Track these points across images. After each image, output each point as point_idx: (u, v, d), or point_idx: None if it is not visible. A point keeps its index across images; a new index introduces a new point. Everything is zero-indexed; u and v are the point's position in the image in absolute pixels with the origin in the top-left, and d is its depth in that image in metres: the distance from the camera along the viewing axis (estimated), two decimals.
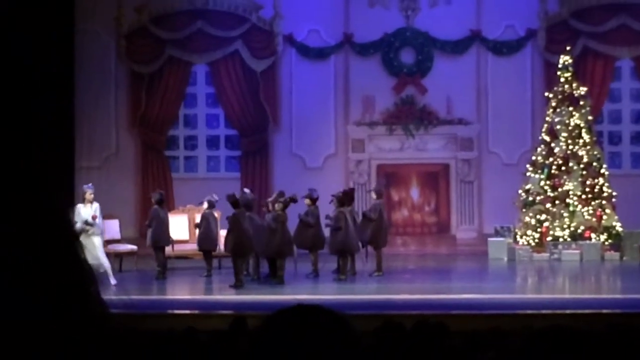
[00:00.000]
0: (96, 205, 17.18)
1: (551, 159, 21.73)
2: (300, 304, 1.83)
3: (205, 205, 18.49)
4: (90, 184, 17.70)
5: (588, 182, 21.52)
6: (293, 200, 17.30)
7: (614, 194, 21.63)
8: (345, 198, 17.87)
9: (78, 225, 16.79)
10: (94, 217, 16.94)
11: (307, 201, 17.77)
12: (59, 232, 1.26)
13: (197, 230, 18.56)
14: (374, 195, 18.80)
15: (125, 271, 18.65)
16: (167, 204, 19.97)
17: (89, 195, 17.15)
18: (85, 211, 16.92)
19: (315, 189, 18.00)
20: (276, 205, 17.24)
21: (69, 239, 1.28)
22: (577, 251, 20.77)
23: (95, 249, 16.70)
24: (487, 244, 21.70)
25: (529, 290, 18.19)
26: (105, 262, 16.92)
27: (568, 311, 13.32)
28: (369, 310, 13.07)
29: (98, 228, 17.05)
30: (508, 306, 13.81)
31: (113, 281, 16.74)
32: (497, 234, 22.18)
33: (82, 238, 15.33)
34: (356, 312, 11.60)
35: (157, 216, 18.04)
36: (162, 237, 18.04)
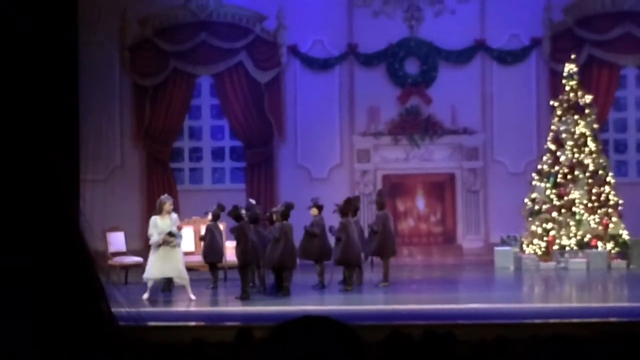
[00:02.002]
0: (175, 215, 16.77)
1: (557, 168, 21.72)
2: (306, 315, 1.82)
3: (209, 216, 18.39)
4: (166, 195, 17.40)
5: (594, 191, 21.50)
6: (290, 207, 17.31)
7: (620, 202, 21.61)
8: (347, 207, 17.83)
9: (155, 238, 16.39)
10: (179, 228, 16.67)
11: (314, 211, 17.75)
12: (69, 246, 1.25)
13: (202, 243, 18.52)
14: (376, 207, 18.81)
15: (131, 283, 18.60)
16: None
17: (169, 206, 16.66)
18: (163, 222, 16.41)
19: (319, 198, 18.00)
20: (274, 216, 17.28)
21: (80, 252, 1.27)
22: (584, 260, 20.74)
23: (178, 262, 16.42)
24: (494, 254, 21.68)
25: (535, 299, 18.17)
26: (185, 275, 16.51)
27: (575, 320, 13.30)
28: (376, 321, 13.06)
29: (180, 239, 16.76)
30: (515, 315, 13.80)
31: (192, 296, 16.46)
32: (503, 243, 22.16)
33: (166, 250, 14.88)
34: (363, 323, 11.60)
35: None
36: None
